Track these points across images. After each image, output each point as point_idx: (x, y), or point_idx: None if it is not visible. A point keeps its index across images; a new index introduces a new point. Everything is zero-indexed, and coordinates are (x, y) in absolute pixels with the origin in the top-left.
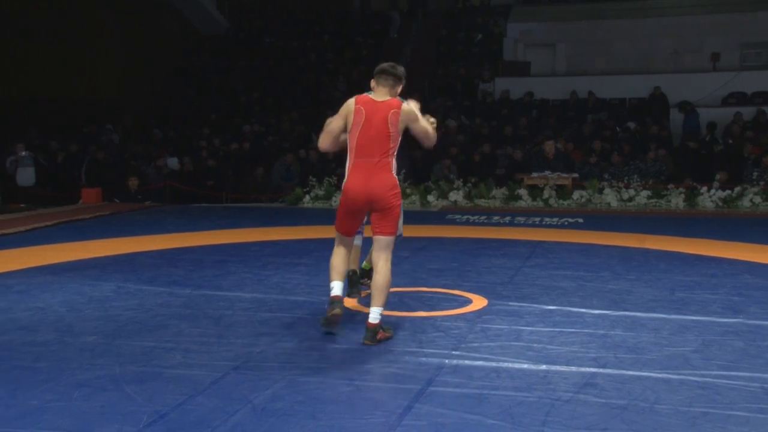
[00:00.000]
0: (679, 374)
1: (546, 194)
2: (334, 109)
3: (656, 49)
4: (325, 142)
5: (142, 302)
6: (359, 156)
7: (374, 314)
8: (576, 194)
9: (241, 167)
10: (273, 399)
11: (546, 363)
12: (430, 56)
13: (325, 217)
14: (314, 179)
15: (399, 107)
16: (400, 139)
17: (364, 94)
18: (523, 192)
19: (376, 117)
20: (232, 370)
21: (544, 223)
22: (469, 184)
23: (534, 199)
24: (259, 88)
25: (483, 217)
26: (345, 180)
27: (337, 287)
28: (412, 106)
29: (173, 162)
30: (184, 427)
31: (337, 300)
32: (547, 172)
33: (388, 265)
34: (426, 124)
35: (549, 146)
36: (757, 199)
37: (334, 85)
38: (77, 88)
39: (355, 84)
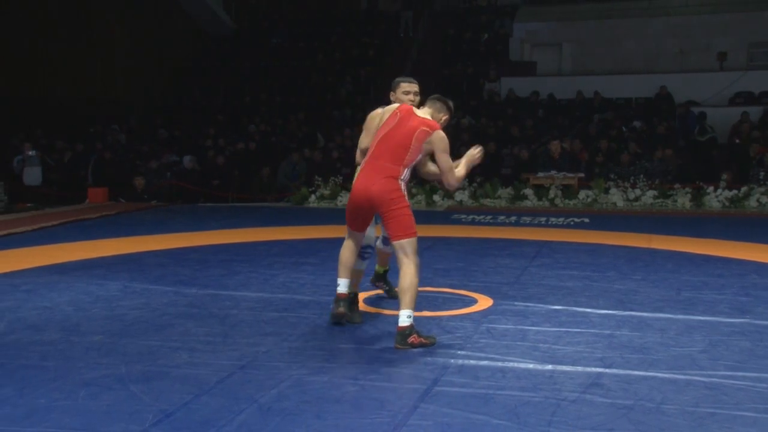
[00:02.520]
0: (685, 374)
1: (552, 194)
2: (340, 109)
3: (662, 48)
4: (364, 139)
5: (149, 301)
6: (373, 156)
7: (402, 317)
8: (582, 194)
9: (247, 167)
10: (279, 398)
11: (552, 363)
12: (436, 56)
13: (330, 216)
14: (320, 179)
15: (432, 129)
16: (419, 157)
17: (407, 104)
18: (529, 192)
19: (406, 126)
20: (238, 370)
21: (550, 222)
22: (475, 184)
23: (540, 198)
24: (266, 88)
25: (489, 217)
26: (356, 178)
27: (343, 285)
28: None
29: (186, 160)
30: (190, 426)
31: (343, 298)
32: (553, 172)
33: (411, 267)
34: (451, 163)
35: (555, 146)
36: (764, 199)
37: (340, 85)
38: (84, 88)
39: (362, 84)
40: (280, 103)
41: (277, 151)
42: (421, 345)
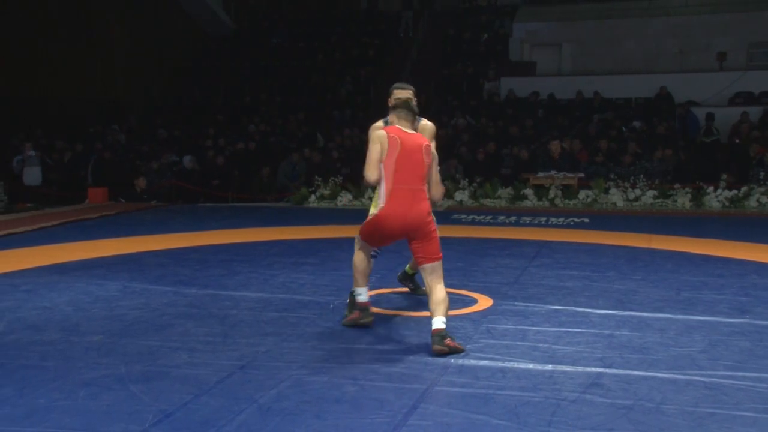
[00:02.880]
0: (685, 374)
1: (552, 194)
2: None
3: (662, 48)
4: (373, 173)
5: (148, 302)
6: (399, 182)
7: (438, 322)
8: (582, 194)
9: (247, 167)
10: (278, 398)
11: (552, 363)
12: (436, 56)
13: (330, 217)
14: (319, 179)
15: (429, 143)
16: (432, 171)
17: (391, 126)
18: (528, 192)
19: (413, 146)
20: (237, 370)
21: (549, 223)
22: (475, 184)
23: (540, 198)
24: (266, 88)
25: (489, 217)
26: (383, 205)
27: (364, 294)
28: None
29: (186, 160)
30: (190, 426)
31: (366, 307)
32: (552, 172)
33: (443, 286)
34: (438, 176)
35: (555, 146)
36: (764, 199)
37: (340, 85)
38: (84, 88)
39: (362, 84)
40: (280, 103)
41: (276, 151)
42: (456, 350)
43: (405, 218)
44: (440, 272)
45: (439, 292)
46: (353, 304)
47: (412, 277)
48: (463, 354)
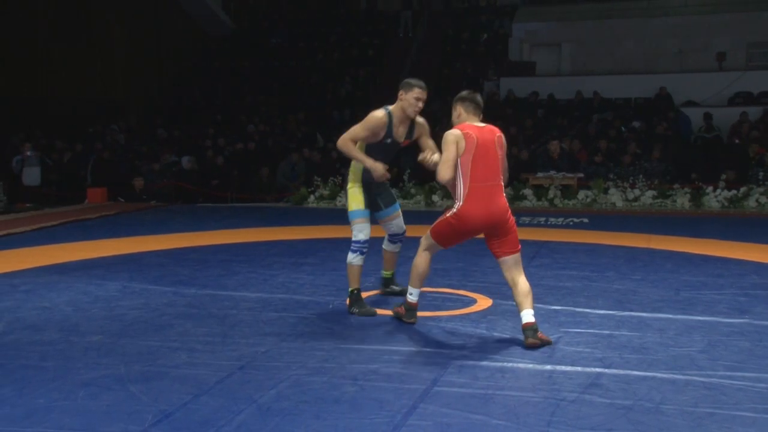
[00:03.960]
0: (684, 375)
1: (551, 194)
2: (340, 110)
3: (662, 48)
4: (448, 172)
5: (148, 302)
6: (476, 180)
7: (527, 316)
8: (581, 194)
9: (247, 167)
10: (278, 398)
11: (551, 363)
12: (435, 56)
13: (329, 217)
14: (319, 179)
15: (501, 133)
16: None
17: (463, 123)
18: (528, 192)
19: (487, 141)
20: (237, 370)
21: (549, 223)
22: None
23: (539, 198)
24: (265, 88)
25: None
26: (462, 204)
27: (415, 294)
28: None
29: (184, 161)
30: (190, 426)
31: (413, 308)
32: (552, 172)
33: (524, 276)
34: None
35: (554, 146)
36: (763, 199)
37: (340, 85)
38: (84, 88)
39: (361, 84)
40: (279, 103)
41: (276, 152)
42: (546, 342)
43: (487, 215)
44: (521, 264)
45: (523, 284)
46: (406, 305)
47: (392, 279)
48: (462, 354)
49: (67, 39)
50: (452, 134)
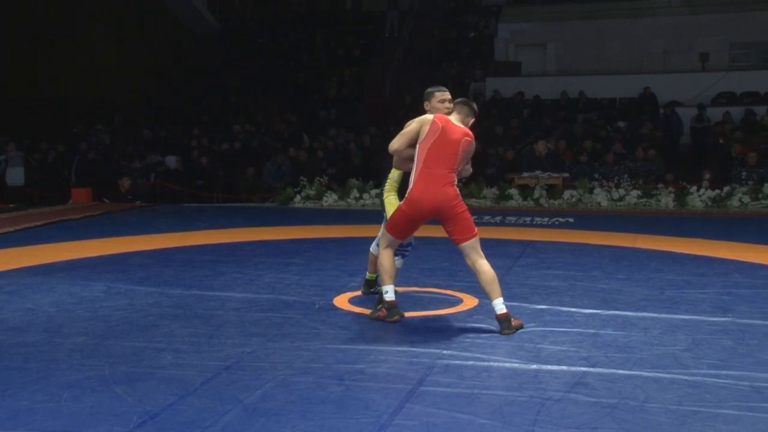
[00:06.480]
0: (669, 373)
1: (537, 194)
2: (326, 109)
3: (646, 49)
4: (399, 143)
5: (133, 302)
6: (428, 167)
7: (499, 305)
8: (566, 194)
9: (232, 167)
10: (264, 399)
11: (537, 362)
12: (421, 56)
13: (315, 216)
14: (305, 179)
15: (472, 138)
16: (463, 164)
17: (441, 114)
18: (513, 192)
19: (452, 136)
20: (223, 371)
21: (534, 222)
22: (460, 184)
23: (525, 198)
24: (251, 88)
25: (474, 217)
26: (411, 188)
27: (391, 291)
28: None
29: (171, 161)
30: (175, 427)
31: (394, 306)
32: (537, 172)
33: (485, 261)
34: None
35: (541, 146)
36: (746, 199)
37: (326, 85)
38: (68, 87)
39: (347, 84)
40: (265, 103)
41: (261, 152)
42: (519, 327)
43: (433, 201)
44: (479, 248)
45: (487, 270)
46: (380, 300)
47: (376, 281)
48: (448, 354)
49: (50, 38)
50: (422, 117)
